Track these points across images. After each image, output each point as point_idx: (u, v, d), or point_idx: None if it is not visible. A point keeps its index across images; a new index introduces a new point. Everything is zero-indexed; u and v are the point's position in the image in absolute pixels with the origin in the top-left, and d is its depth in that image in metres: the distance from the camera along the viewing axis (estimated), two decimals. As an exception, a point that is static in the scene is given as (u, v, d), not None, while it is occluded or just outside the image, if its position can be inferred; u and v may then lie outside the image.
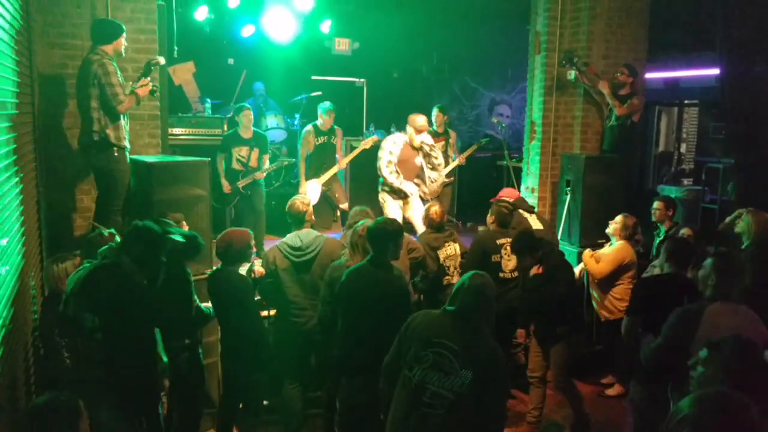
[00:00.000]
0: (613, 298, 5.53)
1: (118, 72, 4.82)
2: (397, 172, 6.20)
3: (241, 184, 6.62)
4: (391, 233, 3.94)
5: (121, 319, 3.30)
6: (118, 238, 4.02)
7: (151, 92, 5.01)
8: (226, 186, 6.60)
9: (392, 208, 6.27)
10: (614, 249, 5.54)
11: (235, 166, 6.66)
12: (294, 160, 8.01)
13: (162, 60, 5.23)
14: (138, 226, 3.57)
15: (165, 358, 3.95)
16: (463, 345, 3.03)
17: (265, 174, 6.80)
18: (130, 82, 5.00)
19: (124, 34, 4.94)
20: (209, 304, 4.38)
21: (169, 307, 3.70)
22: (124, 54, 5.00)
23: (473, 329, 3.09)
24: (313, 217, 4.84)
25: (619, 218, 5.60)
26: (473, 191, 8.49)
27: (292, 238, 4.64)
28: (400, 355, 3.21)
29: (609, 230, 5.61)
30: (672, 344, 3.39)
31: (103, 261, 3.46)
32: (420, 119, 6.22)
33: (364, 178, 7.82)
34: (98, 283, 3.32)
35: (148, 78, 4.98)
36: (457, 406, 2.98)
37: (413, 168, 6.35)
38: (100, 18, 5.15)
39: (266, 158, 6.84)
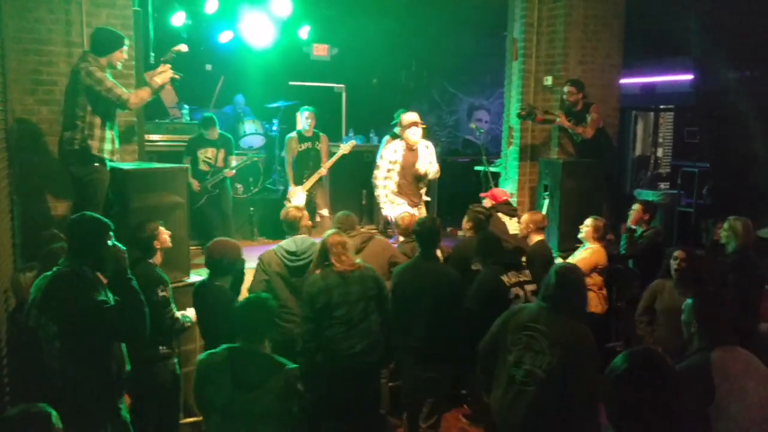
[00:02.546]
0: None
1: (107, 73, 4.66)
2: (387, 187, 6.13)
3: (210, 183, 6.71)
4: (434, 229, 4.51)
5: (78, 329, 3.19)
6: None
7: (173, 80, 4.87)
8: (195, 184, 6.59)
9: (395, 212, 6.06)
10: (589, 252, 5.47)
11: (202, 167, 6.75)
12: (262, 157, 8.23)
13: (185, 47, 5.11)
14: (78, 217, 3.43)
15: (128, 366, 3.71)
16: (550, 328, 3.38)
17: (234, 172, 6.91)
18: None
19: (124, 48, 4.79)
20: (186, 313, 4.33)
21: (127, 321, 3.40)
22: (119, 68, 4.85)
23: (559, 315, 3.42)
24: (309, 222, 4.91)
25: (589, 221, 5.58)
26: (452, 196, 8.51)
27: (288, 243, 4.68)
28: (493, 340, 3.59)
29: (581, 234, 5.60)
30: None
31: (64, 268, 3.31)
32: (409, 115, 6.17)
33: (344, 183, 7.82)
34: (57, 291, 3.23)
35: (169, 65, 4.87)
36: (547, 383, 3.29)
37: (415, 173, 6.19)
38: (102, 27, 4.97)
39: (232, 159, 6.97)
